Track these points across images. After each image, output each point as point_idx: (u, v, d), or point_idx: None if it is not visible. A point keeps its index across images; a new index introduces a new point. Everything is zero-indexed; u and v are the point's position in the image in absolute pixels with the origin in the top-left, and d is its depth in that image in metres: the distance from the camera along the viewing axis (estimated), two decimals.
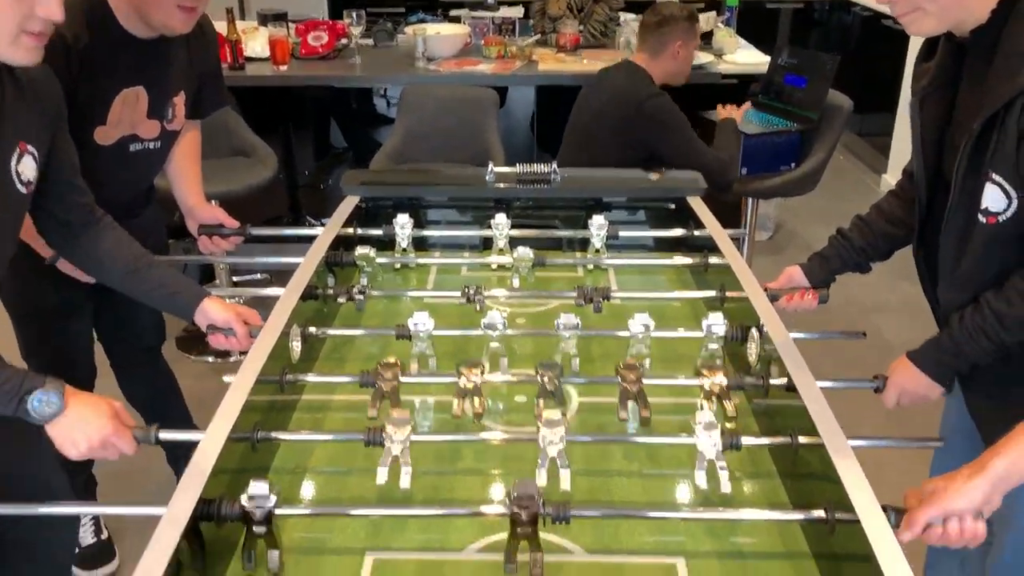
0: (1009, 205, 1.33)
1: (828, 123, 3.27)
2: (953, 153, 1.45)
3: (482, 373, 1.49)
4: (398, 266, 2.12)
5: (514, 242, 2.06)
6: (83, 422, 1.26)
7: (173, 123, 1.94)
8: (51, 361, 2.09)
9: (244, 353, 1.53)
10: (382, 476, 1.28)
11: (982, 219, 1.37)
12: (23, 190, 1.39)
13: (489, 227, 2.10)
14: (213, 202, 3.25)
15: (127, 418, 1.32)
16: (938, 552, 1.95)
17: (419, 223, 2.37)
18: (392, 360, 1.50)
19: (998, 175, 1.33)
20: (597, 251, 2.10)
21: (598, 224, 2.08)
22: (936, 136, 1.51)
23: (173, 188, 2.11)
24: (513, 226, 2.19)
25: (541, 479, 1.27)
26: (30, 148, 1.39)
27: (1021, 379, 1.49)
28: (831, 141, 3.27)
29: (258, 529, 1.17)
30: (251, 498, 1.17)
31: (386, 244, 2.12)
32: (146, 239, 2.02)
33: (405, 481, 1.28)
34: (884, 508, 1.14)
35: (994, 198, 1.34)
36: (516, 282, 1.99)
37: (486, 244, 2.28)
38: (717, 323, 1.65)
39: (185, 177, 2.08)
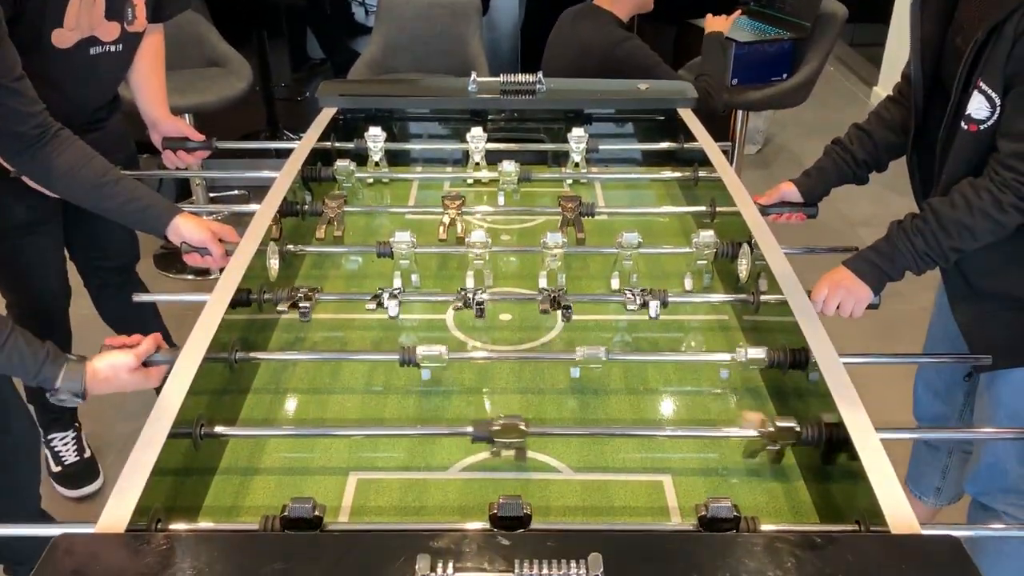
0: (992, 114, 1.33)
1: (821, 32, 3.16)
2: (953, 57, 1.42)
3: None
4: (374, 181, 2.05)
5: (499, 156, 1.99)
6: (111, 385, 1.26)
7: (134, 24, 1.84)
8: (20, 281, 2.03)
9: (223, 270, 1.48)
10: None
11: (964, 126, 1.37)
12: None
13: (466, 140, 2.02)
14: (186, 116, 3.19)
15: (148, 346, 1.28)
16: (920, 464, 1.98)
17: (400, 136, 2.30)
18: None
19: (986, 84, 1.32)
20: (576, 165, 2.04)
21: (577, 137, 2.01)
22: (935, 39, 1.46)
23: (136, 99, 2.01)
24: (497, 140, 2.12)
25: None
26: None
27: (996, 291, 1.49)
28: (824, 51, 3.18)
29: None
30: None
31: (364, 159, 2.05)
32: (114, 152, 1.95)
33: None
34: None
35: (978, 106, 1.34)
36: (501, 198, 1.93)
37: (468, 158, 2.21)
38: (708, 238, 1.60)
39: (148, 87, 1.99)
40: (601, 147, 2.16)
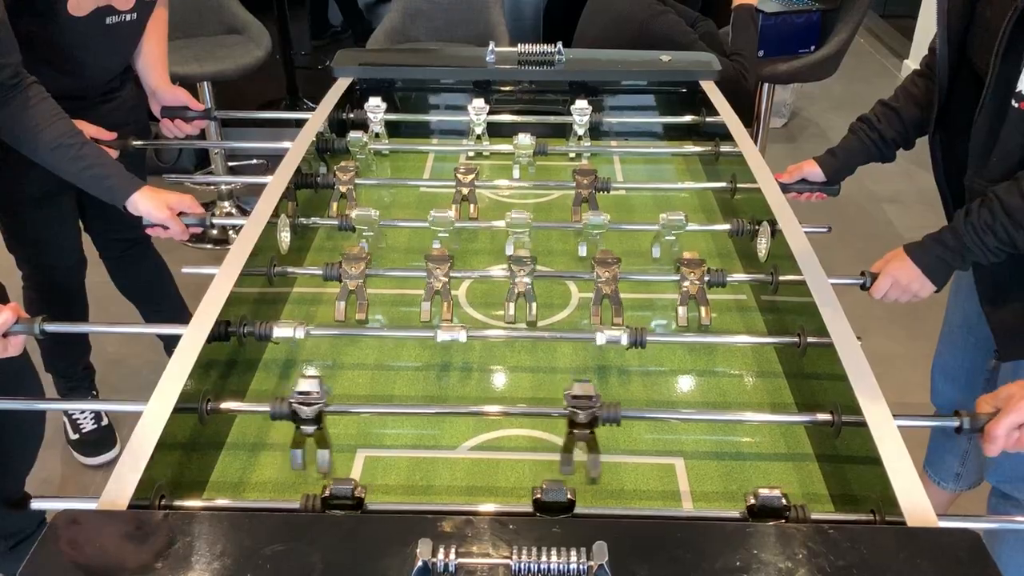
0: None
1: (851, 3, 3.08)
2: (983, 30, 1.35)
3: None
4: (375, 153, 2.01)
5: (513, 129, 1.96)
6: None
7: None
8: (35, 253, 2.03)
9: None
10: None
11: (1015, 104, 1.29)
12: None
13: (491, 112, 1.99)
14: (205, 84, 3.17)
15: (5, 317, 1.22)
16: (940, 448, 1.94)
17: (417, 107, 2.27)
18: (356, 251, 1.44)
19: None
20: (579, 138, 2.00)
21: (580, 109, 1.96)
22: (964, 11, 1.39)
23: (136, 66, 1.99)
24: (515, 112, 2.09)
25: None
26: None
27: None
28: (854, 22, 3.09)
29: (307, 429, 1.13)
30: (300, 393, 1.11)
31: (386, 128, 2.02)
32: (128, 122, 1.95)
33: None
34: (956, 412, 1.08)
35: None
36: (516, 171, 1.90)
37: (490, 130, 2.18)
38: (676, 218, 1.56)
39: (149, 55, 1.97)
40: (621, 120, 2.12)
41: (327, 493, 0.99)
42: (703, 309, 1.39)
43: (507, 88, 2.21)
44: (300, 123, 1.90)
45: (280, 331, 1.29)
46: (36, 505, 1.07)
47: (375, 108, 1.96)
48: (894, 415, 1.09)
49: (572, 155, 2.05)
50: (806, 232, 1.47)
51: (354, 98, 2.13)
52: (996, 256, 1.38)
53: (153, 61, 1.97)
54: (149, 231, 1.58)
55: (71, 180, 1.57)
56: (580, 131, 1.99)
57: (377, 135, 1.99)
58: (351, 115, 2.03)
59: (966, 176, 1.43)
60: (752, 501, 1.00)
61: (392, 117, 2.02)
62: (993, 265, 1.43)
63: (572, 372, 1.40)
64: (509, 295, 1.39)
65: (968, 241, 1.37)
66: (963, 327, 1.73)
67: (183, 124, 1.97)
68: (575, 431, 1.12)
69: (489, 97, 2.02)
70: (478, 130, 1.97)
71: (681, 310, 1.40)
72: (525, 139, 1.87)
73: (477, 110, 1.96)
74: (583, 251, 1.60)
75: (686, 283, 1.41)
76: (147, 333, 1.23)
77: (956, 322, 1.77)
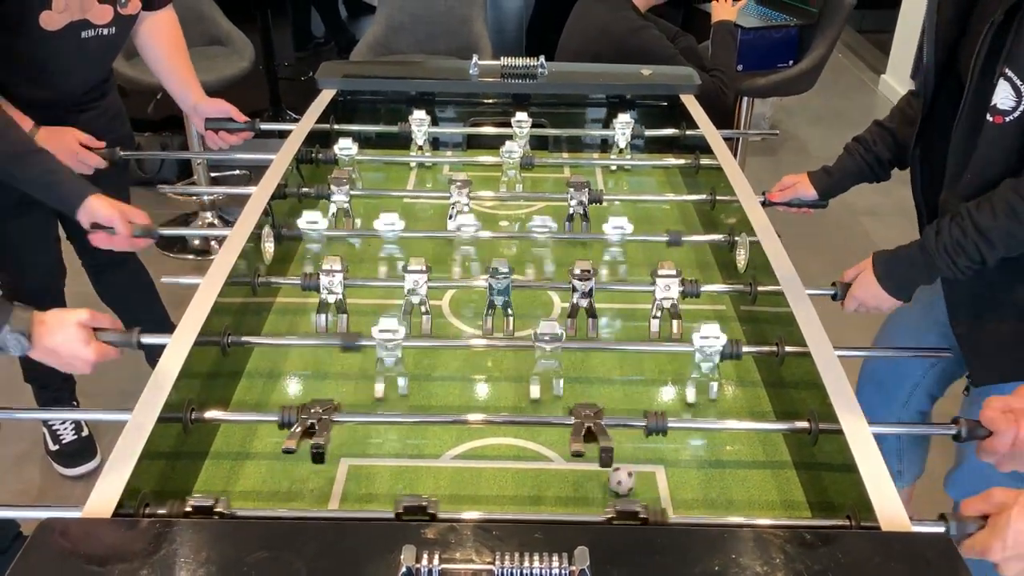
0: (1018, 104, 1.26)
1: (829, 18, 3.13)
2: (970, 44, 1.35)
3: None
4: (379, 164, 2.03)
5: (500, 140, 1.98)
6: (55, 355, 1.21)
7: (128, 7, 1.82)
8: (11, 260, 2.02)
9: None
10: (379, 391, 1.31)
11: (990, 118, 1.29)
12: None
13: (474, 124, 2.01)
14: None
15: (103, 321, 1.25)
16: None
17: (400, 119, 2.28)
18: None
19: (1011, 70, 1.25)
20: (621, 151, 2.04)
21: (623, 123, 2.01)
22: (954, 23, 1.40)
23: (167, 87, 1.98)
24: (499, 124, 2.11)
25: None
26: None
27: (1004, 302, 1.44)
28: (831, 37, 3.15)
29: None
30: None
31: (366, 141, 2.03)
32: (110, 132, 1.94)
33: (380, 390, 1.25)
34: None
35: (1004, 95, 1.26)
36: (503, 187, 1.92)
37: (470, 142, 2.20)
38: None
39: (177, 73, 1.96)
40: (601, 132, 2.14)
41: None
42: (675, 323, 1.40)
43: (491, 100, 2.24)
44: (283, 134, 1.91)
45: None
46: (17, 515, 1.07)
47: (419, 121, 1.99)
48: (869, 423, 1.11)
49: (613, 168, 2.08)
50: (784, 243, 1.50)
51: (338, 110, 2.14)
52: (964, 274, 1.37)
53: (182, 78, 1.96)
54: (92, 238, 1.56)
55: (23, 187, 1.57)
56: (623, 143, 2.03)
57: (421, 147, 2.02)
58: (336, 126, 2.04)
59: (941, 193, 1.44)
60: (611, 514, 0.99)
61: (378, 128, 2.03)
62: (969, 287, 1.43)
63: (553, 381, 1.41)
64: (488, 309, 1.41)
65: (939, 261, 1.37)
66: (907, 332, 1.74)
67: (227, 136, 1.96)
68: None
69: (476, 109, 2.03)
70: (420, 140, 1.99)
71: (654, 323, 1.41)
72: (513, 148, 1.88)
73: (418, 121, 1.98)
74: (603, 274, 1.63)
75: (661, 294, 1.42)
76: (115, 341, 1.23)
77: (895, 330, 1.79)
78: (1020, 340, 1.44)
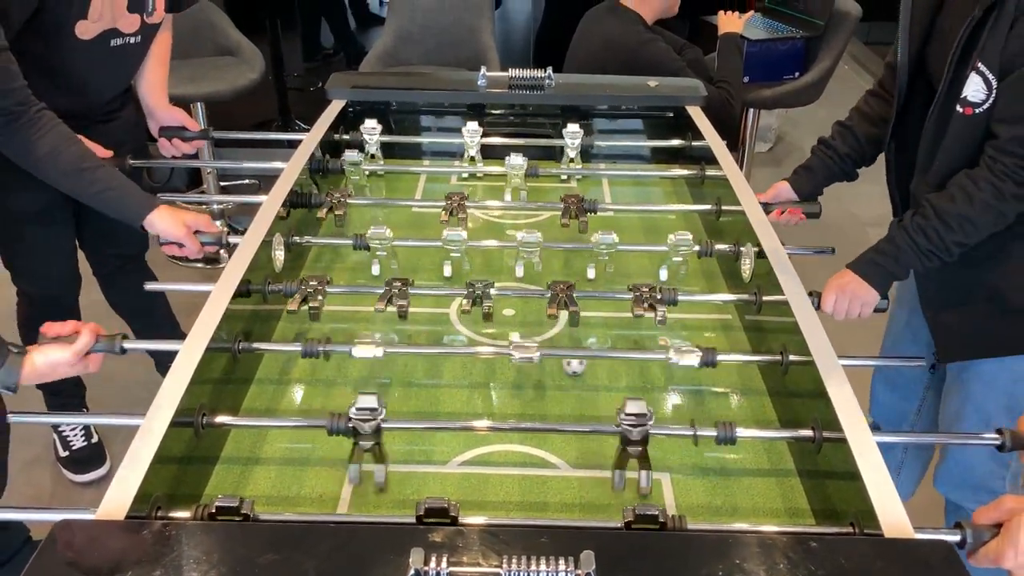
0: (988, 97, 1.32)
1: (834, 31, 3.15)
2: (941, 40, 1.42)
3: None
4: (370, 174, 2.05)
5: (506, 151, 2.00)
6: (46, 378, 1.25)
7: (153, 16, 1.86)
8: (31, 269, 2.05)
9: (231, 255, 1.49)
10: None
11: (959, 109, 1.36)
12: None
13: (483, 135, 2.03)
14: (198, 105, 3.20)
15: (86, 340, 1.26)
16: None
17: (409, 130, 2.31)
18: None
19: (984, 64, 1.30)
20: (571, 161, 2.04)
21: (572, 132, 2.00)
22: (926, 21, 1.46)
23: (137, 86, 2.02)
24: (505, 135, 2.13)
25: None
26: None
27: (969, 284, 1.49)
28: (837, 49, 3.16)
29: (364, 443, 1.16)
30: (359, 410, 1.15)
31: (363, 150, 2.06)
32: (127, 141, 1.98)
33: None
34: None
35: (975, 88, 1.32)
36: (508, 194, 1.93)
37: (482, 152, 2.21)
38: (683, 238, 1.60)
39: (151, 77, 2.01)
40: (609, 143, 2.16)
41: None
42: (659, 310, 1.43)
43: (498, 111, 2.26)
44: (293, 144, 1.93)
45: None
46: (31, 517, 1.08)
47: (371, 130, 2.00)
48: (871, 425, 1.12)
49: (564, 177, 2.08)
50: (788, 253, 1.51)
51: (347, 120, 2.17)
52: (929, 260, 1.42)
53: (154, 82, 2.00)
54: (165, 249, 1.61)
55: (87, 202, 1.60)
56: (572, 153, 2.03)
57: (372, 156, 2.02)
58: (345, 136, 2.07)
59: (912, 182, 1.49)
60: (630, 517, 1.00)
61: (385, 139, 2.05)
62: (935, 271, 1.48)
63: (564, 389, 1.42)
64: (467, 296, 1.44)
65: (901, 242, 1.43)
66: (906, 334, 1.77)
67: (180, 143, 2.01)
68: (628, 448, 1.15)
69: (481, 120, 2.05)
70: (472, 152, 2.01)
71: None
72: (517, 159, 1.90)
73: (471, 132, 1.99)
74: (592, 274, 1.63)
75: (639, 304, 1.44)
76: (148, 349, 1.25)
77: (899, 331, 1.81)
78: (984, 321, 1.51)
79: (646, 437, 1.15)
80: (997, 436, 1.14)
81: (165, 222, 1.57)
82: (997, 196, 1.34)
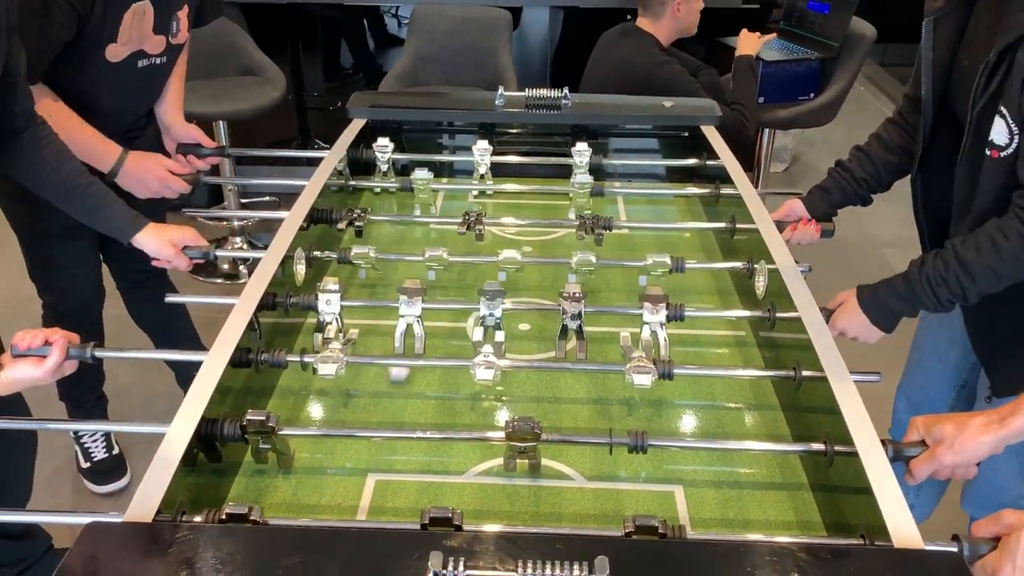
0: (1011, 141, 1.31)
1: (849, 52, 3.18)
2: (961, 79, 1.42)
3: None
4: (381, 191, 2.09)
5: (522, 169, 2.03)
6: (14, 391, 1.28)
7: (178, 37, 1.92)
8: (56, 282, 2.10)
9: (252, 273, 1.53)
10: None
11: (988, 152, 1.35)
12: None
13: (495, 153, 2.06)
14: (220, 124, 3.26)
15: (56, 358, 1.26)
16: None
17: (427, 148, 2.34)
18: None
19: (1006, 109, 1.30)
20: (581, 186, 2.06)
21: (580, 151, 2.02)
22: (946, 60, 1.47)
23: (154, 105, 2.07)
24: (523, 153, 2.16)
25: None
26: None
27: (1019, 320, 1.47)
28: (852, 71, 3.19)
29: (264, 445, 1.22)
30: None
31: (396, 169, 2.09)
32: None
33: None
34: (883, 442, 1.13)
35: (1000, 132, 1.32)
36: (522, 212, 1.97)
37: (496, 171, 2.25)
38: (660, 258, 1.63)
39: (168, 94, 2.05)
40: (625, 162, 2.19)
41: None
42: (662, 343, 1.43)
43: (515, 130, 2.29)
44: (313, 162, 1.97)
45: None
46: (59, 520, 1.11)
47: (383, 147, 2.04)
48: (887, 442, 1.13)
49: (581, 194, 2.11)
50: (802, 272, 1.53)
51: (368, 139, 2.21)
52: (945, 308, 1.41)
53: (171, 99, 2.05)
54: (155, 263, 1.67)
55: (79, 218, 1.65)
56: (580, 174, 2.05)
57: (384, 173, 2.06)
58: (365, 153, 2.11)
59: (951, 225, 1.49)
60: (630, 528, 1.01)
61: (403, 157, 2.09)
62: (984, 312, 1.47)
63: (576, 402, 1.45)
64: (479, 323, 1.45)
65: (920, 291, 1.41)
66: (932, 355, 1.77)
67: (196, 160, 2.05)
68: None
69: (495, 138, 2.09)
70: (482, 169, 2.04)
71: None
72: (585, 178, 1.95)
73: (481, 151, 2.03)
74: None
75: (648, 317, 1.45)
76: (175, 359, 1.30)
77: (926, 349, 1.80)
78: None
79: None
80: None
81: (152, 241, 1.64)
82: None
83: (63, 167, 1.61)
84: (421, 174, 1.97)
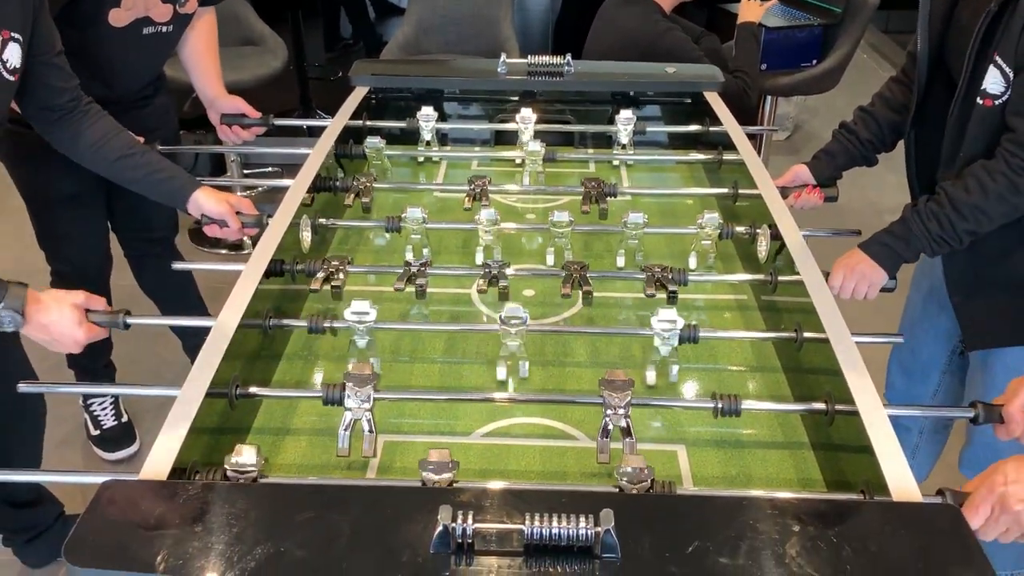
0: (1006, 89, 1.34)
1: (852, 18, 3.16)
2: (959, 32, 1.44)
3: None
4: (425, 160, 2.10)
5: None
6: (47, 331, 1.29)
7: (186, 6, 1.91)
8: (64, 249, 2.11)
9: (256, 243, 1.54)
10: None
11: (980, 101, 1.39)
12: (10, 78, 1.40)
13: (502, 120, 2.07)
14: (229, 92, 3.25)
15: (98, 303, 1.32)
16: None
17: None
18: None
19: (1000, 57, 1.33)
20: (623, 146, 2.07)
21: (625, 118, 2.03)
22: (943, 14, 1.48)
23: (192, 79, 2.08)
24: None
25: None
26: (14, 35, 1.38)
27: (997, 273, 1.52)
28: (854, 37, 3.17)
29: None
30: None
31: (396, 137, 2.10)
32: (159, 128, 2.03)
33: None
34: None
35: (994, 80, 1.35)
36: (527, 178, 1.97)
37: (498, 138, 2.25)
38: (712, 219, 1.63)
39: (204, 68, 2.06)
40: (627, 128, 2.19)
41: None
42: (670, 289, 1.46)
43: (516, 98, 2.29)
44: (314, 131, 1.98)
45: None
46: (77, 480, 1.13)
47: (427, 116, 2.04)
48: (885, 404, 1.15)
49: (612, 163, 2.11)
50: (804, 235, 1.54)
51: (370, 106, 2.21)
52: (939, 246, 1.45)
53: (208, 74, 2.06)
54: (206, 229, 1.66)
55: (131, 187, 1.66)
56: (624, 140, 2.06)
57: (428, 143, 2.07)
58: (367, 122, 2.11)
59: (937, 173, 1.51)
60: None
61: (446, 127, 2.08)
62: (962, 260, 1.51)
63: (582, 366, 1.46)
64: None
65: (913, 227, 1.46)
66: (923, 320, 1.80)
67: (240, 131, 2.06)
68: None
69: (502, 106, 2.09)
70: (525, 137, 2.01)
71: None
72: (535, 146, 1.94)
73: (525, 119, 2.01)
74: (621, 261, 1.67)
75: (651, 284, 1.47)
76: (195, 325, 1.31)
77: (916, 315, 1.83)
78: (1011, 309, 1.53)
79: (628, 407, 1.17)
80: (971, 410, 1.19)
81: (210, 200, 1.62)
82: (1012, 190, 1.37)
83: (115, 140, 1.62)
84: (373, 141, 1.97)
